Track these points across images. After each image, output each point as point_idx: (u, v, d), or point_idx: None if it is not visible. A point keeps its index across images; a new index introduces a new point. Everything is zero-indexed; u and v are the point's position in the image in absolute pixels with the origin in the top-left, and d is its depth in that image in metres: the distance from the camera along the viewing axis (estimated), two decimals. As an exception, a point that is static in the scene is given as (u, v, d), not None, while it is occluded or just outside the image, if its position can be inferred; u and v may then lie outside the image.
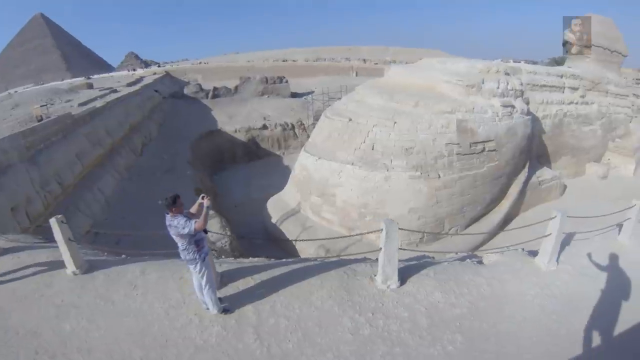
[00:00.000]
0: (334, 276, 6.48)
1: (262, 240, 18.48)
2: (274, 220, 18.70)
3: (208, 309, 5.59)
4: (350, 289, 6.18)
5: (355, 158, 16.53)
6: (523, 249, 7.96)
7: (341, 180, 16.69)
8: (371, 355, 5.09)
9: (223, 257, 11.25)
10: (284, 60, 74.49)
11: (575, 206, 18.09)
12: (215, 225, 16.24)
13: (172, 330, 5.41)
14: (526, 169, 19.27)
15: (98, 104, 25.19)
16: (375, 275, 6.37)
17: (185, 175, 23.29)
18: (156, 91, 39.84)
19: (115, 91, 32.75)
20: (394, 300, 5.99)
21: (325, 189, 17.19)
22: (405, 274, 6.52)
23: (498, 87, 17.29)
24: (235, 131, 34.32)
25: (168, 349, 5.12)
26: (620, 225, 8.28)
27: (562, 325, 5.75)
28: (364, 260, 7.46)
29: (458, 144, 15.72)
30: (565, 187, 22.14)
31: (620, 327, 5.75)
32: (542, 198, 20.42)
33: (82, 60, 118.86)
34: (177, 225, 4.87)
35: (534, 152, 20.71)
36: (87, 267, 6.80)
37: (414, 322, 5.63)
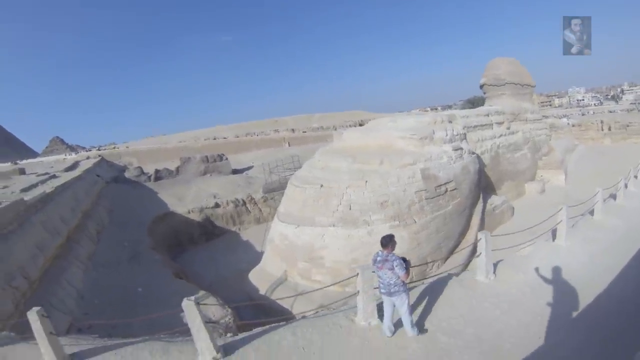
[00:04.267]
0: (452, 284, 8.46)
1: (252, 312, 18.78)
2: (262, 292, 19.37)
3: (389, 335, 6.76)
4: (470, 288, 8.35)
5: (335, 220, 18.13)
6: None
7: (326, 242, 18.09)
8: (519, 315, 7.37)
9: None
10: (214, 139, 76.26)
11: (525, 219, 21.04)
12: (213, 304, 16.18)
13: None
14: (481, 199, 22.13)
15: (47, 189, 24.10)
16: (476, 276, 8.68)
17: (154, 261, 23.19)
18: (98, 176, 39.19)
19: (54, 177, 31.70)
20: (500, 285, 8.41)
21: (311, 253, 18.42)
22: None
23: (447, 135, 20.28)
24: (189, 212, 34.70)
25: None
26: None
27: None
28: (447, 275, 9.39)
29: (425, 189, 18.07)
30: (513, 208, 25.32)
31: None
32: (498, 221, 23.29)
33: (3, 145, 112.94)
34: (394, 260, 6.19)
35: (482, 184, 23.75)
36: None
37: (522, 292, 8.14)
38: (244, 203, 36.51)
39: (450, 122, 22.14)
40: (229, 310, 16.33)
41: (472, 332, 7.03)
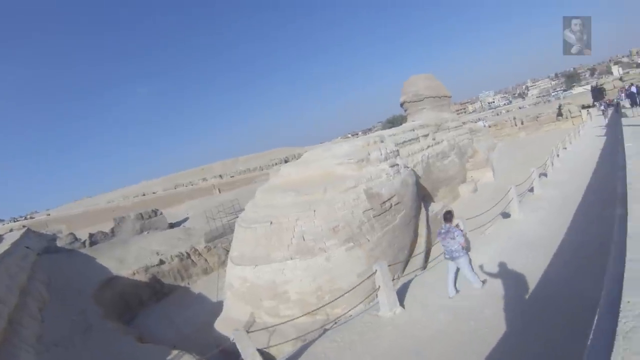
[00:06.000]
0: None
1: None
2: (232, 339, 19.26)
3: (451, 296, 8.26)
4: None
5: (292, 252, 18.67)
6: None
7: (287, 276, 18.51)
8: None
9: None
10: (143, 195, 74.61)
11: (466, 217, 23.30)
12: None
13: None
14: (423, 208, 23.85)
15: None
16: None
17: (109, 330, 22.27)
18: (27, 247, 36.77)
19: (-22, 254, 29.26)
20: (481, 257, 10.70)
21: (275, 289, 18.78)
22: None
23: (382, 154, 21.90)
24: (134, 273, 33.44)
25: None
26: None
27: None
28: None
29: (372, 208, 19.33)
30: (453, 211, 27.41)
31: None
32: (442, 226, 25.06)
33: None
34: (455, 231, 8.00)
35: (421, 194, 25.63)
36: None
37: (502, 258, 10.58)
38: (189, 255, 36.04)
39: (382, 141, 23.89)
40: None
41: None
